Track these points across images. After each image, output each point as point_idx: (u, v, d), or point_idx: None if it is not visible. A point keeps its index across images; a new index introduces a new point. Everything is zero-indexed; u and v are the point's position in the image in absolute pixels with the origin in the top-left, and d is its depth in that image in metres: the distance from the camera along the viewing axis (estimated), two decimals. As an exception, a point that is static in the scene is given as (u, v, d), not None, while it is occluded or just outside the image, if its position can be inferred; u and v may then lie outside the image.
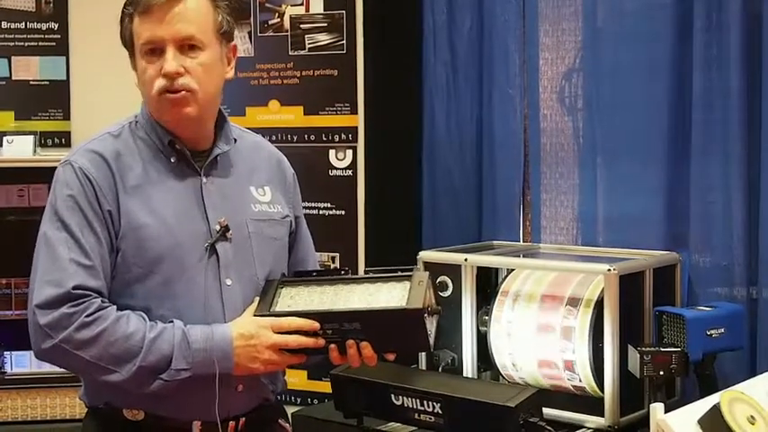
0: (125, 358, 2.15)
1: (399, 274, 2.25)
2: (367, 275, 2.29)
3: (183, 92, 2.24)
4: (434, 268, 3.14)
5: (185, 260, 2.24)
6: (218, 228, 2.28)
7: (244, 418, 2.33)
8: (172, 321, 2.20)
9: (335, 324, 2.19)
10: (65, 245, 2.18)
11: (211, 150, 2.35)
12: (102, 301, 2.18)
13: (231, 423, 2.30)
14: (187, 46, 2.25)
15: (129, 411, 2.26)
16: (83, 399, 2.36)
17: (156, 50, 2.24)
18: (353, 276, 2.30)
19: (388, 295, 2.21)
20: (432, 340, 2.22)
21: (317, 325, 2.20)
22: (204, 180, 2.32)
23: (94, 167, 2.24)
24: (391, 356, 2.32)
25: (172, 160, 2.30)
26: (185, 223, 2.26)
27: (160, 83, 2.24)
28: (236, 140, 2.41)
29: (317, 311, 2.21)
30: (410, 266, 2.29)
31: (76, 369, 2.25)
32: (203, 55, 2.26)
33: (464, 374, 3.10)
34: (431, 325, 2.22)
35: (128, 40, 2.29)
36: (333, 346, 2.21)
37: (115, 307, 2.19)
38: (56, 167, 2.30)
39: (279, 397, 2.51)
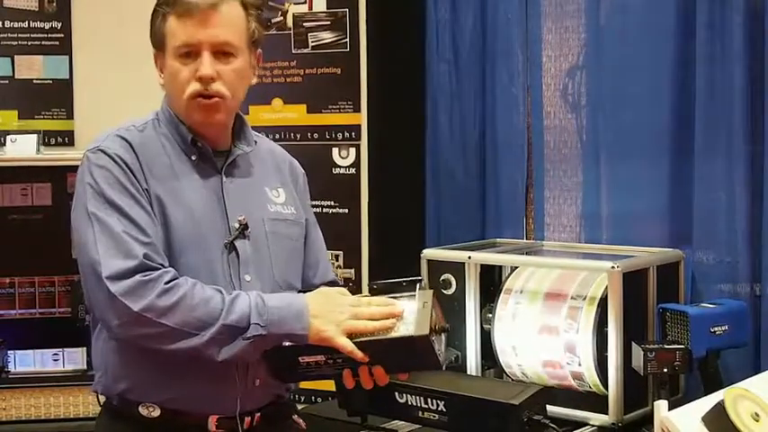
0: (208, 321, 2.13)
1: (404, 286, 2.26)
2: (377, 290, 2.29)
3: (216, 98, 2.27)
4: (438, 266, 3.15)
5: (208, 253, 2.26)
6: (237, 225, 2.29)
7: (259, 414, 2.33)
8: None
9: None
10: (119, 223, 2.17)
11: (231, 150, 2.37)
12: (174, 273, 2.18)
13: (247, 418, 2.31)
14: (222, 52, 2.27)
15: (145, 408, 2.25)
16: (96, 388, 2.33)
17: (191, 54, 2.25)
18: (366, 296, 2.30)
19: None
20: (442, 358, 2.21)
21: (397, 312, 2.18)
22: (224, 179, 2.33)
23: (124, 151, 2.24)
24: (404, 376, 2.36)
25: (193, 158, 2.31)
26: (207, 220, 2.28)
27: (194, 86, 2.25)
28: (256, 142, 2.44)
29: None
30: (415, 278, 2.29)
31: (157, 338, 2.17)
32: (236, 62, 2.29)
33: (468, 372, 3.11)
34: (439, 344, 2.21)
35: (158, 39, 2.30)
36: (346, 371, 2.21)
37: (188, 277, 2.19)
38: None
39: (292, 396, 2.52)
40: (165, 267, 2.17)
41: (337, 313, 2.16)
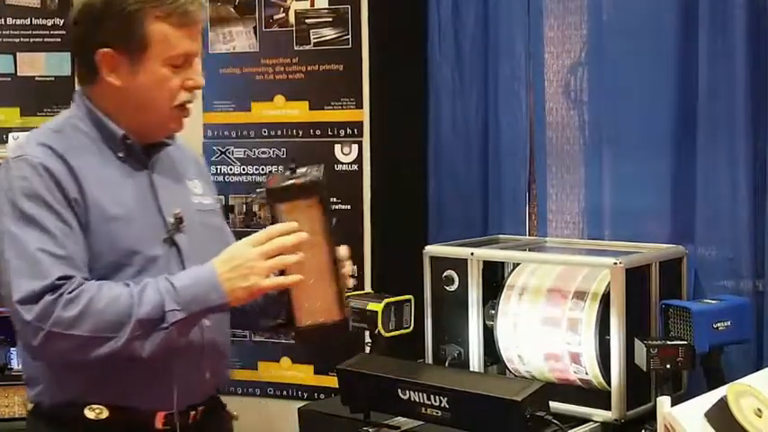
0: (120, 320, 2.09)
1: (301, 188, 2.24)
2: None
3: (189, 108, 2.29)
4: (440, 263, 3.15)
5: (154, 250, 2.24)
6: (172, 220, 2.28)
7: (202, 407, 2.34)
8: None
9: None
10: (35, 238, 2.12)
11: (157, 146, 2.35)
12: (83, 278, 2.13)
13: (192, 413, 2.31)
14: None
15: (92, 411, 2.23)
16: (37, 399, 2.29)
17: (182, 63, 2.24)
18: None
19: None
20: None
21: (294, 225, 2.18)
22: (153, 174, 2.32)
23: (50, 160, 2.19)
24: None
25: (120, 155, 2.28)
26: (145, 216, 2.26)
27: (184, 96, 2.25)
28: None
29: None
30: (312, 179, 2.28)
31: (75, 350, 2.12)
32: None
33: (471, 369, 3.11)
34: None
35: (137, 40, 2.22)
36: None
37: (94, 281, 2.14)
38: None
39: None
40: (74, 278, 2.11)
41: (247, 267, 2.14)
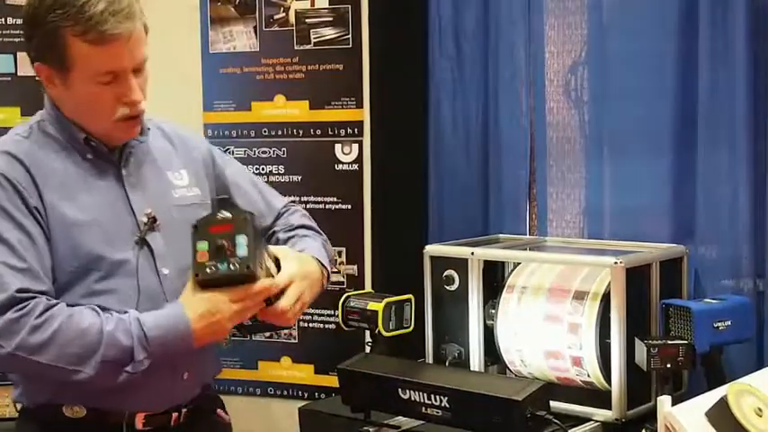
0: (84, 355, 2.09)
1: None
2: None
3: (139, 116, 2.25)
4: (441, 262, 3.15)
5: (121, 254, 2.22)
6: (145, 220, 2.26)
7: (186, 409, 2.32)
8: (127, 312, 2.16)
9: None
10: None
11: (127, 143, 2.32)
12: (48, 299, 2.12)
13: (174, 414, 2.30)
14: (139, 68, 2.22)
15: (70, 409, 2.22)
16: (19, 399, 2.29)
17: (112, 79, 2.19)
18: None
19: None
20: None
21: (279, 285, 2.21)
22: (124, 173, 2.30)
23: (11, 168, 2.18)
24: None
25: (88, 156, 2.26)
26: (113, 218, 2.25)
27: (123, 111, 2.21)
28: (149, 129, 2.38)
29: None
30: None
31: (38, 374, 2.16)
32: (145, 71, 2.25)
33: (471, 368, 3.10)
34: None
35: (57, 56, 2.19)
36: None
37: (64, 304, 2.13)
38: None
39: (216, 387, 2.52)
40: (40, 295, 2.10)
41: (220, 323, 2.17)
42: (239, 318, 2.19)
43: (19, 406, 2.34)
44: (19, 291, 2.09)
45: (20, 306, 2.08)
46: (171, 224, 2.31)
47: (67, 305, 2.15)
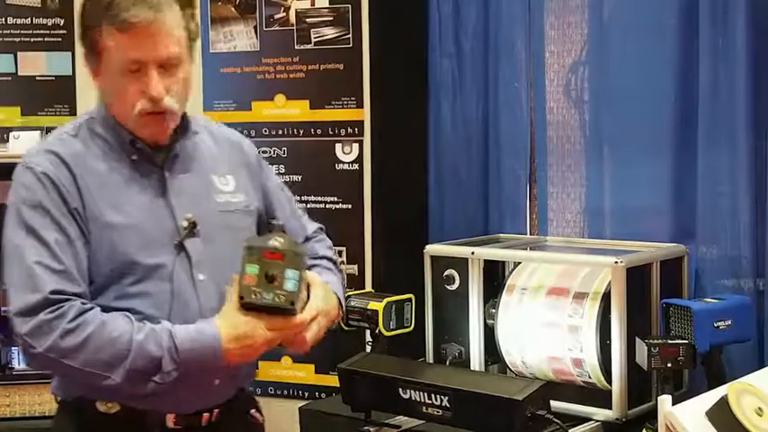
0: (114, 363, 2.10)
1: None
2: None
3: (166, 113, 2.22)
4: (441, 262, 3.15)
5: (157, 258, 2.22)
6: (185, 224, 2.25)
7: (217, 410, 2.32)
8: (159, 321, 2.17)
9: None
10: (33, 250, 2.13)
11: (172, 146, 2.31)
12: (83, 303, 2.13)
13: (205, 415, 2.30)
14: (167, 64, 2.20)
15: (104, 404, 2.23)
16: (56, 392, 2.31)
17: (136, 69, 2.18)
18: None
19: None
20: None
21: (307, 320, 2.23)
22: (167, 176, 2.28)
23: (54, 168, 2.19)
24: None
25: (133, 158, 2.26)
26: (153, 221, 2.23)
27: (144, 104, 2.19)
28: (196, 133, 2.38)
29: None
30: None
31: (69, 375, 2.19)
32: (182, 71, 2.23)
33: (471, 368, 3.11)
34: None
35: (92, 45, 2.22)
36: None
37: (98, 309, 2.14)
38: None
39: (252, 388, 2.52)
40: (74, 298, 2.12)
41: (252, 348, 2.18)
42: (270, 345, 2.20)
43: (57, 398, 2.36)
44: (53, 292, 2.10)
45: (54, 308, 2.09)
46: (211, 229, 2.30)
47: (102, 309, 2.16)
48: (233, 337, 2.17)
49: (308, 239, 2.53)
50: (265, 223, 2.41)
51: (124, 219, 2.21)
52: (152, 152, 2.28)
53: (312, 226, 2.59)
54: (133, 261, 2.20)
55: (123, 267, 2.19)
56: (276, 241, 2.20)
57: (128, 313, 2.16)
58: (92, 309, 2.14)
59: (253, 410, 2.48)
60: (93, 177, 2.21)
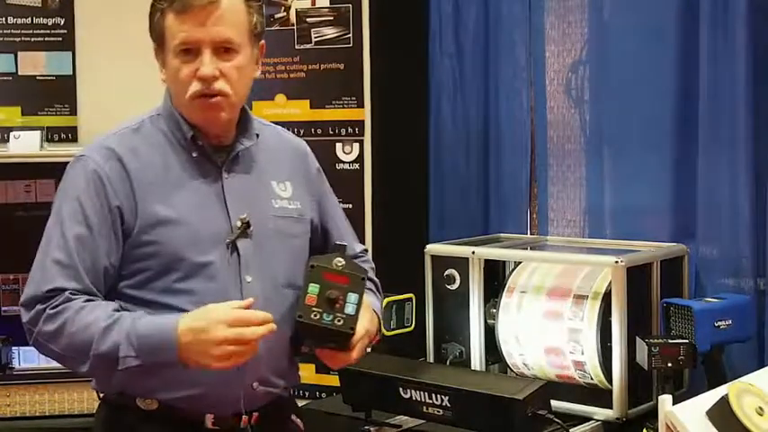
0: (84, 348, 2.12)
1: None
2: None
3: (218, 96, 2.22)
4: (442, 261, 3.15)
5: (205, 256, 2.22)
6: (239, 224, 2.25)
7: (257, 413, 2.32)
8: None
9: None
10: (54, 241, 2.19)
11: (233, 146, 2.32)
12: (72, 293, 2.15)
13: (244, 417, 2.30)
14: (223, 49, 2.22)
15: (143, 401, 2.25)
16: (96, 387, 2.33)
17: (191, 51, 2.20)
18: None
19: None
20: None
21: (269, 317, 2.17)
22: (226, 176, 2.29)
23: (106, 163, 2.21)
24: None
25: (193, 155, 2.27)
26: (206, 219, 2.24)
27: (196, 86, 2.21)
28: (257, 135, 2.38)
29: None
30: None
31: (59, 361, 2.22)
32: (238, 58, 2.24)
33: (472, 367, 3.11)
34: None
35: (158, 35, 2.26)
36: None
37: (84, 297, 2.16)
38: (62, 162, 2.29)
39: (292, 392, 2.50)
40: (77, 293, 2.16)
41: (206, 345, 2.10)
42: (226, 343, 2.13)
43: (99, 393, 2.37)
44: (54, 290, 2.15)
45: (49, 301, 2.16)
46: (264, 233, 2.30)
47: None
48: (189, 327, 2.11)
49: (354, 258, 2.51)
50: (318, 235, 2.44)
51: (175, 214, 2.22)
52: (212, 151, 2.29)
53: (358, 246, 2.60)
54: (179, 258, 2.21)
55: (170, 263, 2.20)
56: (338, 261, 2.21)
57: (116, 303, 2.19)
58: (77, 298, 2.16)
59: (293, 416, 2.48)
60: (148, 172, 2.23)
